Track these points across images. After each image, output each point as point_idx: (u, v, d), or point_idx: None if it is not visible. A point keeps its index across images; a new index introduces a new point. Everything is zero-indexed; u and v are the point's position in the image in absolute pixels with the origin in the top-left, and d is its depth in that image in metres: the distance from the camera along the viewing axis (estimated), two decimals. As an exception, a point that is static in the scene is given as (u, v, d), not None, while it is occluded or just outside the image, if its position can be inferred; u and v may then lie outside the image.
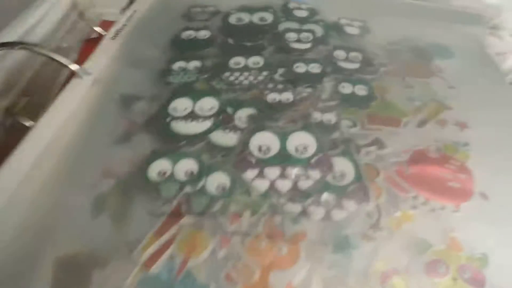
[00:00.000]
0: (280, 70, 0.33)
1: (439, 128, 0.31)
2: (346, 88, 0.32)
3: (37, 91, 0.38)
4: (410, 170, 0.27)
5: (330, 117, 0.30)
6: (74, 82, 0.32)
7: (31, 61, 0.37)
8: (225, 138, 0.28)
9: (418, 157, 0.28)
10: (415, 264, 0.23)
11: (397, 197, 0.26)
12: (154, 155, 0.27)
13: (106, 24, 0.45)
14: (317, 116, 0.30)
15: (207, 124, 0.29)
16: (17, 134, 0.33)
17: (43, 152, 0.27)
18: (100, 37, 0.43)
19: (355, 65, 0.34)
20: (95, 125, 0.30)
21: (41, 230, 0.23)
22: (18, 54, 0.35)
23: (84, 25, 0.44)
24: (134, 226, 0.23)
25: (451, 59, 0.38)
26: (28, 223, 0.24)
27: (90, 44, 0.42)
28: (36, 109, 0.34)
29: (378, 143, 0.29)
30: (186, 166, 0.26)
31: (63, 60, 0.31)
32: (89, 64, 0.33)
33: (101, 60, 0.35)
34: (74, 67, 0.32)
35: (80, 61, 0.34)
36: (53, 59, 0.31)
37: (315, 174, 0.26)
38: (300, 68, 0.33)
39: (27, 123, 0.33)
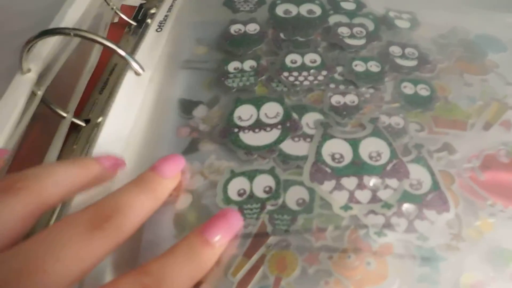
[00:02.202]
0: (339, 69, 0.32)
1: (504, 130, 0.30)
2: (408, 88, 0.31)
3: (64, 81, 0.37)
4: (484, 176, 0.27)
5: (397, 120, 0.29)
6: (131, 78, 0.31)
7: (65, 49, 0.36)
8: (296, 147, 0.28)
9: (489, 162, 0.28)
10: (502, 275, 0.23)
11: (475, 205, 0.26)
12: (232, 173, 0.26)
13: (125, 9, 0.44)
14: (384, 119, 0.29)
15: (276, 133, 0.28)
16: (48, 123, 0.33)
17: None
18: (121, 21, 0.42)
19: (413, 63, 0.34)
20: (158, 132, 0.29)
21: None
22: (53, 42, 0.34)
23: (109, 10, 0.43)
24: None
25: (504, 53, 0.37)
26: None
27: (112, 29, 0.41)
28: (64, 99, 0.33)
29: (448, 148, 0.28)
30: (263, 182, 0.26)
31: (121, 51, 0.30)
32: (141, 59, 0.32)
33: (152, 56, 0.33)
34: (134, 64, 0.31)
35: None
36: (110, 49, 0.30)
37: (393, 183, 0.26)
38: (359, 66, 0.33)
39: (63, 113, 0.33)
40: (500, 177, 0.27)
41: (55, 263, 0.15)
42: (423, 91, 0.31)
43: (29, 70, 0.32)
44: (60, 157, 0.32)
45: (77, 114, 0.36)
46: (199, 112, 0.30)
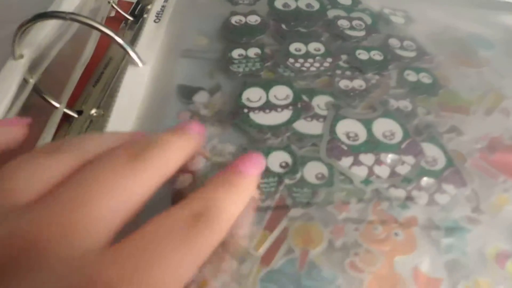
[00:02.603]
0: (344, 57, 0.33)
1: (504, 117, 0.31)
2: (411, 76, 0.32)
3: (58, 70, 0.35)
4: (493, 156, 0.27)
5: (405, 104, 0.29)
6: (132, 71, 0.30)
7: (61, 37, 0.34)
8: (310, 126, 0.27)
9: (496, 144, 0.28)
10: (524, 245, 0.23)
11: (489, 181, 0.26)
12: (244, 150, 0.25)
13: (122, 4, 0.43)
14: (393, 103, 0.29)
15: (288, 113, 0.28)
16: (40, 113, 0.31)
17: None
18: (118, 16, 0.41)
19: (412, 54, 0.34)
20: (159, 118, 0.28)
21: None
22: (48, 28, 0.32)
23: (106, 3, 0.42)
24: (240, 222, 0.22)
25: (492, 50, 0.39)
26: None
27: (108, 23, 0.40)
28: (57, 89, 0.32)
29: (456, 130, 0.29)
30: (279, 158, 0.25)
31: (118, 39, 0.29)
32: (140, 51, 0.31)
33: (152, 47, 0.33)
34: (132, 53, 0.30)
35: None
36: (108, 36, 0.29)
37: (409, 159, 0.26)
38: (363, 55, 0.33)
39: (56, 103, 0.31)
40: (507, 158, 0.28)
41: (100, 199, 0.14)
42: (425, 79, 0.32)
43: (21, 56, 0.30)
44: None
45: (69, 106, 0.34)
46: (200, 97, 0.29)
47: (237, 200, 0.18)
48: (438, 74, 0.33)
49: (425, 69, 0.33)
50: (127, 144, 0.17)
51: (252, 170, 0.20)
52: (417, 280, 0.20)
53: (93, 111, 0.34)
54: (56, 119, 0.32)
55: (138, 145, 0.17)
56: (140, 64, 0.31)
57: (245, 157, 0.20)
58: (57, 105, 0.33)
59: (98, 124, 0.34)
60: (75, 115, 0.34)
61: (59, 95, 0.33)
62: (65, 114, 0.34)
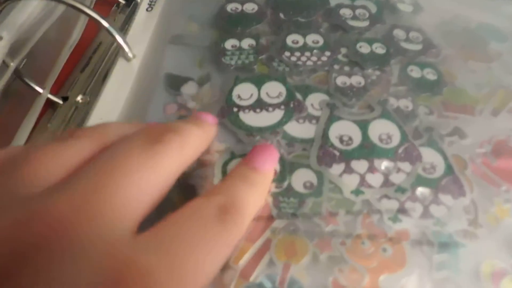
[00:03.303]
0: (343, 50, 0.31)
1: (511, 117, 0.29)
2: (415, 72, 0.30)
3: (41, 55, 0.34)
4: (496, 162, 0.26)
5: (406, 103, 0.28)
6: (122, 62, 0.29)
7: (45, 20, 0.33)
8: (301, 129, 0.26)
9: (501, 148, 0.27)
10: (522, 263, 0.22)
11: (490, 191, 0.24)
12: (231, 154, 0.24)
13: None
14: (393, 102, 0.28)
15: (279, 114, 0.26)
16: (23, 100, 0.31)
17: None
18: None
19: (418, 46, 0.32)
20: (145, 109, 0.27)
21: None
22: (30, 8, 0.31)
23: None
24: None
25: (505, 43, 0.36)
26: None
27: (99, 6, 0.38)
28: (41, 74, 0.31)
29: (459, 132, 0.27)
30: (267, 163, 0.24)
31: (104, 22, 0.28)
32: (131, 41, 0.30)
33: (142, 37, 0.31)
34: (124, 45, 0.29)
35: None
36: (94, 20, 0.28)
37: (406, 166, 0.24)
38: (364, 48, 0.31)
39: (39, 89, 0.30)
40: (513, 163, 0.26)
41: (125, 182, 0.13)
42: (430, 75, 0.30)
43: (0, 38, 0.29)
44: (32, 136, 0.29)
45: (55, 92, 0.33)
46: (188, 89, 0.28)
47: (257, 197, 0.18)
48: (444, 69, 0.31)
49: (431, 64, 0.31)
50: (146, 129, 0.17)
51: (266, 165, 0.20)
52: (402, 302, 0.19)
53: (79, 98, 0.33)
54: (39, 105, 0.31)
55: (157, 129, 0.17)
56: (130, 55, 0.29)
57: (258, 150, 0.20)
58: (40, 90, 0.32)
59: (83, 111, 0.33)
60: (60, 102, 0.33)
61: (44, 81, 0.32)
62: (50, 100, 0.33)
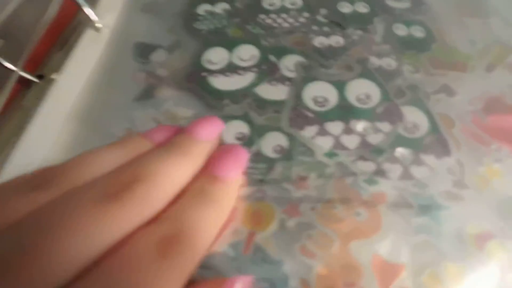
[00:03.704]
0: (323, 11, 0.29)
1: (508, 73, 0.27)
2: (400, 30, 0.28)
3: (15, 34, 0.33)
4: (488, 119, 0.24)
5: (389, 62, 0.26)
6: (90, 34, 0.28)
7: None
8: (274, 91, 0.24)
9: (494, 105, 0.25)
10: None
11: (479, 150, 0.22)
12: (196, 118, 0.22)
13: None
14: (374, 61, 0.26)
15: (251, 76, 0.25)
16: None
17: (65, 115, 0.23)
18: None
19: (405, 4, 0.30)
20: (112, 82, 0.26)
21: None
22: None
23: None
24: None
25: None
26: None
27: None
28: (15, 53, 0.30)
29: (447, 89, 0.25)
30: (235, 128, 0.22)
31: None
32: (100, 12, 0.28)
33: (113, 6, 0.30)
34: (91, 15, 0.27)
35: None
36: None
37: (385, 126, 0.22)
38: (345, 7, 0.29)
39: (11, 66, 0.29)
40: (506, 120, 0.24)
41: (55, 243, 0.11)
42: (417, 32, 0.28)
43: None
44: (6, 114, 0.28)
45: (31, 71, 0.32)
46: (157, 56, 0.26)
47: (218, 213, 0.15)
48: (434, 26, 0.29)
49: (419, 21, 0.29)
50: (103, 178, 0.14)
51: (232, 172, 0.16)
52: (375, 267, 0.18)
53: (54, 75, 0.32)
54: (10, 83, 0.30)
55: (123, 177, 0.14)
56: (98, 25, 0.28)
57: (222, 154, 0.16)
58: (13, 68, 0.31)
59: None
60: (36, 80, 0.32)
61: (17, 58, 0.31)
62: (26, 79, 0.32)
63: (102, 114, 0.24)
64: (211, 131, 0.16)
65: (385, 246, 0.18)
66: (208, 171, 0.15)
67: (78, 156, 0.15)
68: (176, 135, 0.16)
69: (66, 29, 0.36)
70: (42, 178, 0.14)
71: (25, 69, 0.29)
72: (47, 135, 0.24)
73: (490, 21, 0.31)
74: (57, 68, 0.32)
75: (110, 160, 0.15)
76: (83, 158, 0.15)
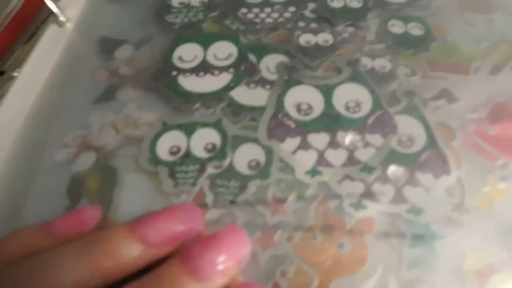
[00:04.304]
0: (311, 5, 0.26)
1: (516, 74, 0.24)
2: (397, 27, 0.25)
3: None
4: (493, 129, 0.21)
5: (383, 63, 0.23)
6: (53, 29, 0.25)
7: None
8: (252, 95, 0.21)
9: (500, 112, 0.22)
10: (518, 257, 0.17)
11: (482, 166, 0.20)
12: (163, 125, 0.20)
13: None
14: (366, 62, 0.23)
15: (226, 77, 0.22)
16: None
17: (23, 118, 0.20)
18: None
19: (402, -1, 0.27)
20: (71, 82, 0.23)
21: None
22: None
23: None
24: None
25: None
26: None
27: None
28: None
29: (447, 95, 0.22)
30: (205, 138, 0.20)
31: None
32: (64, 5, 0.26)
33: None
34: (54, 8, 0.24)
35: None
36: None
37: (376, 140, 0.19)
38: (336, 1, 0.26)
39: None
40: (513, 131, 0.21)
41: None
42: (415, 30, 0.25)
43: None
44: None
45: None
46: (122, 53, 0.23)
47: None
48: (433, 23, 0.26)
49: (417, 17, 0.26)
50: None
51: (214, 270, 0.14)
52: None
53: (15, 72, 0.29)
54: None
55: None
56: (62, 18, 0.25)
57: (204, 241, 0.14)
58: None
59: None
60: (-6, 76, 0.29)
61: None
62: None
63: (58, 119, 0.21)
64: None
65: (372, 284, 0.16)
66: (185, 261, 0.13)
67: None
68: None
69: (31, 23, 0.33)
70: None
71: None
72: (1, 140, 0.22)
73: (494, 17, 0.28)
74: (20, 64, 0.29)
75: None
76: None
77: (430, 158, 0.19)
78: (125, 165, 0.19)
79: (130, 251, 0.13)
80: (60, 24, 0.26)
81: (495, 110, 0.22)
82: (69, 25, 0.26)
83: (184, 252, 0.14)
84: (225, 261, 0.13)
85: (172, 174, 0.18)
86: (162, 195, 0.18)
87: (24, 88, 0.23)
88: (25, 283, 0.12)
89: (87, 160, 0.19)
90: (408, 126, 0.20)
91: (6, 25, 0.30)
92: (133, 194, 0.18)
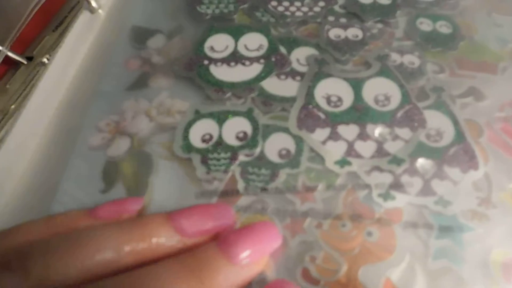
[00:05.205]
0: (341, 0, 0.26)
1: (543, 75, 0.24)
2: (425, 25, 0.25)
3: (6, 12, 0.31)
4: (520, 127, 0.21)
5: (412, 59, 0.23)
6: (85, 16, 0.25)
7: None
8: (282, 86, 0.22)
9: (527, 112, 0.22)
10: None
11: (508, 163, 0.20)
12: (196, 113, 0.20)
13: None
14: (395, 57, 0.23)
15: (257, 68, 0.22)
16: None
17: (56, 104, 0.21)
18: None
19: (431, -3, 0.27)
20: (104, 69, 0.24)
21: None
22: None
23: None
24: (171, 207, 0.17)
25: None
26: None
27: None
28: (3, 32, 0.28)
29: (475, 92, 0.22)
30: (237, 126, 0.20)
31: None
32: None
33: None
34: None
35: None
36: None
37: (405, 133, 0.20)
38: (365, -3, 0.26)
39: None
40: (540, 131, 0.21)
41: None
42: (443, 28, 0.25)
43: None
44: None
45: (21, 52, 0.29)
46: (155, 42, 0.24)
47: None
48: (461, 22, 0.26)
49: (445, 16, 0.26)
50: None
51: (246, 254, 0.15)
52: (386, 297, 0.16)
53: (45, 58, 0.30)
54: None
55: None
56: (94, 5, 0.26)
57: (244, 231, 0.15)
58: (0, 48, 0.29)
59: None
60: (24, 62, 0.30)
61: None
62: (15, 61, 0.29)
63: (91, 104, 0.22)
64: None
65: (399, 272, 0.16)
66: (222, 242, 0.14)
67: None
68: None
69: (61, 10, 0.33)
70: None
71: (14, 50, 0.27)
72: (36, 125, 0.22)
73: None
74: (49, 51, 0.30)
75: None
76: None
77: (458, 152, 0.19)
78: (158, 152, 0.20)
79: (165, 238, 0.14)
80: (92, 11, 0.27)
81: (522, 109, 0.22)
82: (101, 12, 0.27)
83: (222, 237, 0.14)
84: (259, 250, 0.14)
85: (204, 161, 0.19)
86: (194, 182, 0.18)
87: (57, 73, 0.24)
88: (64, 250, 0.13)
89: (121, 146, 0.20)
90: (436, 121, 0.21)
91: (36, 12, 0.31)
92: (166, 180, 0.19)
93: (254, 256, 0.14)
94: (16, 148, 0.21)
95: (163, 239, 0.14)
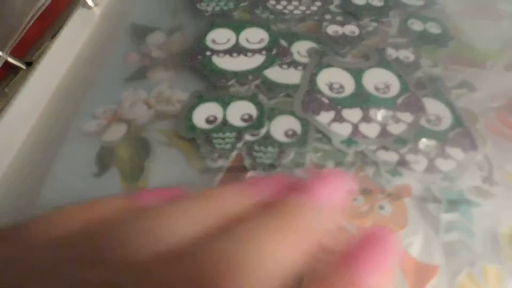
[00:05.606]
0: (336, 1, 0.27)
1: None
2: (416, 25, 0.26)
3: (6, 18, 0.31)
4: (511, 116, 0.22)
5: (407, 54, 0.24)
6: (79, 13, 0.25)
7: None
8: (285, 75, 0.22)
9: (517, 103, 0.23)
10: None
11: (506, 147, 0.20)
12: (197, 98, 0.20)
13: None
14: (391, 52, 0.24)
15: (259, 59, 0.22)
16: None
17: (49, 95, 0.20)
18: None
19: (420, 2, 0.29)
20: (103, 61, 0.23)
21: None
22: None
23: None
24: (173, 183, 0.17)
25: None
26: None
27: None
28: (3, 38, 0.27)
29: (467, 85, 0.23)
30: (241, 109, 0.20)
31: None
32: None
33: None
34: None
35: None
36: None
37: (406, 117, 0.20)
38: (358, 0, 0.27)
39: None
40: (531, 119, 0.22)
41: None
42: (433, 28, 0.26)
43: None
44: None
45: (21, 57, 0.29)
46: (154, 38, 0.24)
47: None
48: (449, 24, 0.27)
49: (434, 18, 0.27)
50: None
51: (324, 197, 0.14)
52: (404, 267, 0.15)
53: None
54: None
55: None
56: (90, 2, 0.26)
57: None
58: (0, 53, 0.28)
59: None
60: (23, 67, 0.29)
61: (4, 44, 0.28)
62: (14, 66, 0.29)
63: (88, 93, 0.22)
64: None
65: (415, 244, 0.16)
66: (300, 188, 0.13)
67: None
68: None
69: (60, 16, 0.33)
70: None
71: (14, 56, 0.27)
72: (27, 118, 0.22)
73: (502, 24, 0.30)
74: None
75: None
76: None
77: (458, 135, 0.20)
78: (156, 137, 0.19)
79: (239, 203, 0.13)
80: (88, 7, 0.27)
81: (511, 102, 0.23)
82: (97, 10, 0.27)
83: (299, 186, 0.13)
84: (336, 190, 0.13)
85: (208, 140, 0.18)
86: (196, 162, 0.18)
87: (54, 61, 0.24)
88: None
89: (117, 131, 0.19)
90: (435, 107, 0.21)
91: (36, 19, 0.31)
92: (164, 165, 0.18)
93: (335, 197, 0.13)
94: (5, 138, 0.20)
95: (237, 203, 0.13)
